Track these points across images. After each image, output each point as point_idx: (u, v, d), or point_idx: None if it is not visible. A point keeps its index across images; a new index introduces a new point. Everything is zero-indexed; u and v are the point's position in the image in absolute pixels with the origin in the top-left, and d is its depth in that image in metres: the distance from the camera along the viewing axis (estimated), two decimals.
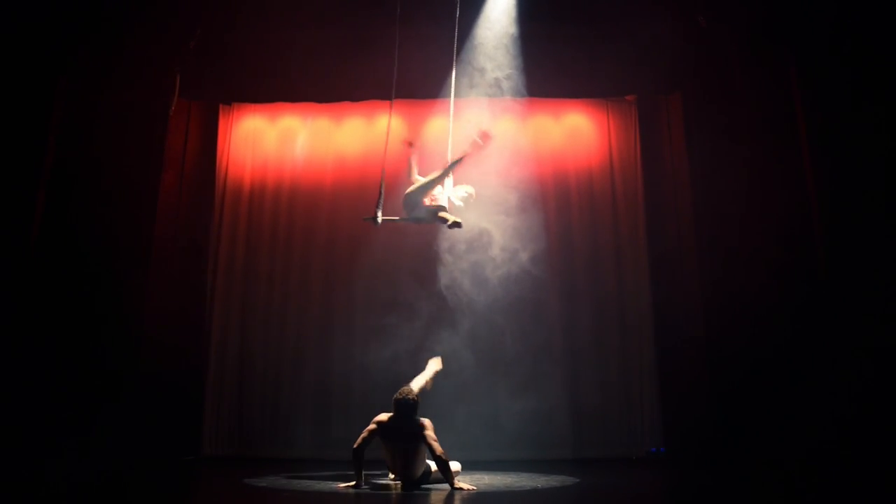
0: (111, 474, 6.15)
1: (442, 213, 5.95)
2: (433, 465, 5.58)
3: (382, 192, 6.05)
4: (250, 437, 7.93)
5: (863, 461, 5.95)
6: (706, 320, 7.62)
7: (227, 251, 8.41)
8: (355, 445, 5.43)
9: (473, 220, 7.19)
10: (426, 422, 5.45)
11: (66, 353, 6.85)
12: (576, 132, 8.75)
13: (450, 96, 6.66)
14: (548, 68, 7.79)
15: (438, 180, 6.01)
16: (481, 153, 6.11)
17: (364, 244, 8.16)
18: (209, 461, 7.64)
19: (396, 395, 5.50)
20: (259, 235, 8.50)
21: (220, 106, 8.71)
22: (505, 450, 7.51)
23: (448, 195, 6.13)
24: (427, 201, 6.00)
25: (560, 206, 8.46)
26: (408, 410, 5.44)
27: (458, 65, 7.17)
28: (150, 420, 7.37)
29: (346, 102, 8.56)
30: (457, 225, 5.91)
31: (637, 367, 8.02)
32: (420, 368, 6.18)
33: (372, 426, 5.48)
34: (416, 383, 5.81)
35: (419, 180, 6.06)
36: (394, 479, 5.54)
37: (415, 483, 5.52)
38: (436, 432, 5.43)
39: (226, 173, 8.61)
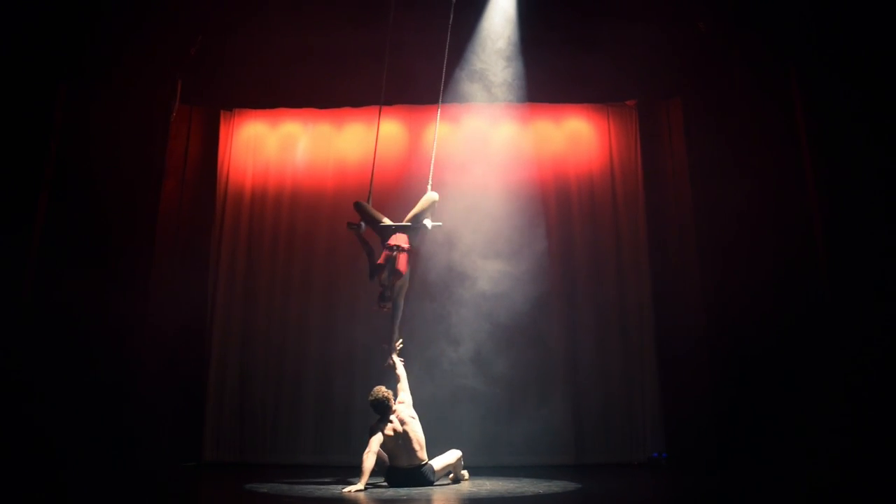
0: (113, 481, 6.14)
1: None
2: (435, 465, 5.85)
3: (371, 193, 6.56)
4: (252, 443, 7.91)
5: (865, 463, 5.94)
6: (708, 325, 7.62)
7: (228, 257, 8.40)
8: (371, 452, 5.59)
9: (474, 224, 7.21)
10: (399, 406, 5.89)
11: (67, 359, 6.84)
12: (576, 137, 8.75)
13: (438, 101, 6.83)
14: (548, 73, 7.81)
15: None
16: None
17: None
18: (211, 467, 7.62)
19: (369, 397, 5.91)
20: (260, 241, 8.49)
21: (222, 112, 8.70)
22: (507, 455, 7.50)
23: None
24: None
25: (561, 210, 8.45)
26: (383, 408, 5.84)
27: (459, 70, 7.20)
28: (152, 426, 7.36)
29: (346, 108, 8.56)
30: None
31: (639, 372, 8.00)
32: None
33: (377, 436, 5.70)
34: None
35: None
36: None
37: (420, 473, 5.70)
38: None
39: (227, 179, 8.60)
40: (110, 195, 7.37)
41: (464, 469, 6.13)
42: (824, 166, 6.86)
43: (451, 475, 6.02)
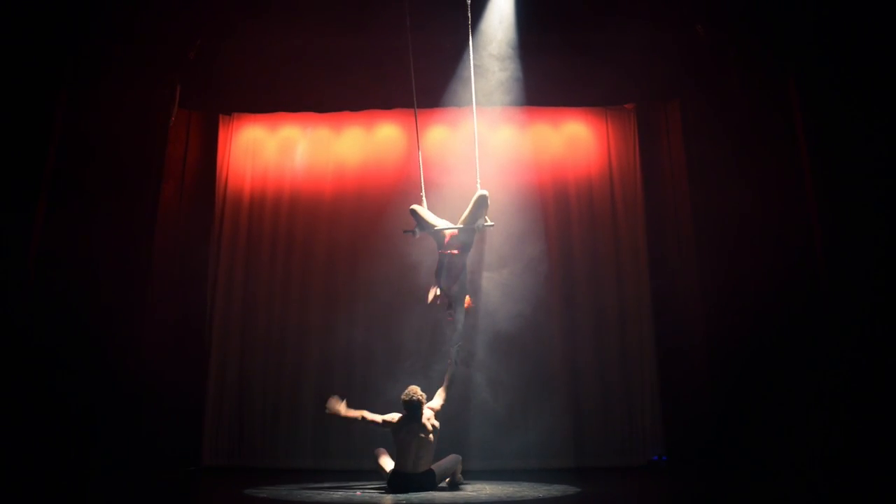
0: (112, 485, 6.13)
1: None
2: (437, 470, 5.86)
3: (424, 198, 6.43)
4: (251, 447, 7.90)
5: (865, 465, 5.93)
6: (707, 328, 7.62)
7: (227, 261, 8.39)
8: (368, 419, 5.95)
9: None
10: (428, 411, 5.87)
11: (66, 364, 6.83)
12: (575, 140, 8.75)
13: (472, 105, 6.72)
14: (547, 77, 7.80)
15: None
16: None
17: (364, 254, 8.17)
18: (210, 472, 7.60)
19: (403, 396, 5.86)
20: (259, 245, 8.48)
21: (220, 116, 8.70)
22: (506, 459, 7.48)
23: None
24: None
25: (560, 214, 8.45)
26: (416, 408, 5.81)
27: (458, 74, 7.20)
28: (151, 430, 7.35)
29: (345, 112, 8.57)
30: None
31: (638, 375, 8.00)
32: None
33: (385, 420, 5.87)
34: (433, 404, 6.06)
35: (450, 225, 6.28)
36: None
37: (423, 478, 5.72)
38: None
39: (226, 183, 8.60)
40: (109, 200, 7.36)
41: (460, 473, 6.12)
42: (822, 169, 6.87)
43: (449, 479, 6.01)
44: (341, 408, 6.04)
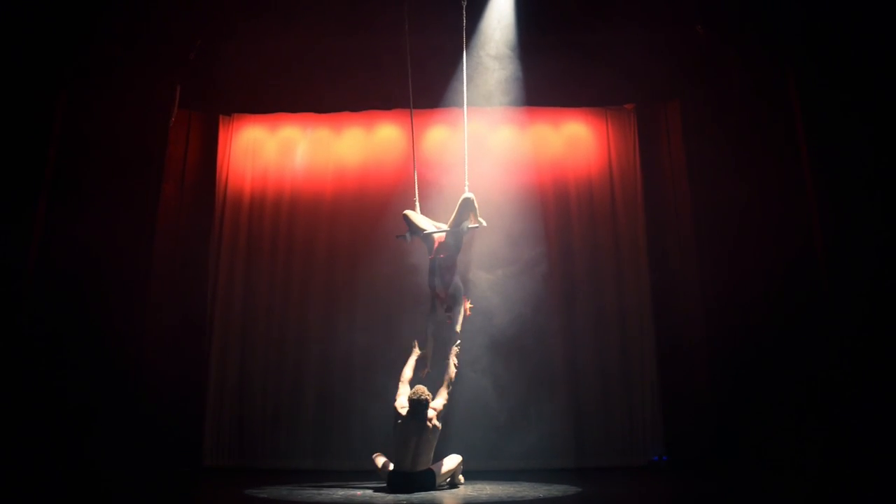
0: (112, 485, 6.13)
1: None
2: (437, 470, 5.86)
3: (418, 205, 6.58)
4: (251, 447, 7.89)
5: (864, 464, 5.93)
6: (707, 327, 7.62)
7: (227, 261, 8.40)
8: (400, 386, 6.09)
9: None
10: (430, 412, 5.85)
11: (66, 363, 6.83)
12: (575, 140, 8.75)
13: (463, 106, 6.79)
14: (547, 77, 7.81)
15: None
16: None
17: (364, 254, 8.16)
18: (210, 472, 7.60)
19: (410, 395, 5.86)
20: (259, 246, 8.48)
21: (220, 117, 8.71)
22: (507, 459, 7.49)
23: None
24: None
25: (560, 214, 8.45)
26: (421, 409, 5.80)
27: (458, 74, 7.20)
28: (151, 430, 7.35)
29: (345, 112, 8.58)
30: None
31: (638, 375, 7.99)
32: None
33: (396, 405, 5.92)
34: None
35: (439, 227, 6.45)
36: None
37: (423, 478, 5.71)
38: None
39: (226, 184, 8.61)
40: (109, 200, 7.36)
41: (461, 473, 6.14)
42: (822, 168, 6.87)
43: (449, 479, 6.02)
44: (421, 354, 6.26)
